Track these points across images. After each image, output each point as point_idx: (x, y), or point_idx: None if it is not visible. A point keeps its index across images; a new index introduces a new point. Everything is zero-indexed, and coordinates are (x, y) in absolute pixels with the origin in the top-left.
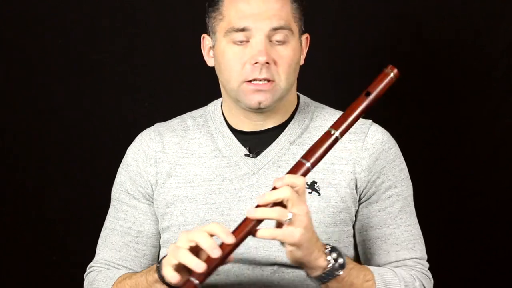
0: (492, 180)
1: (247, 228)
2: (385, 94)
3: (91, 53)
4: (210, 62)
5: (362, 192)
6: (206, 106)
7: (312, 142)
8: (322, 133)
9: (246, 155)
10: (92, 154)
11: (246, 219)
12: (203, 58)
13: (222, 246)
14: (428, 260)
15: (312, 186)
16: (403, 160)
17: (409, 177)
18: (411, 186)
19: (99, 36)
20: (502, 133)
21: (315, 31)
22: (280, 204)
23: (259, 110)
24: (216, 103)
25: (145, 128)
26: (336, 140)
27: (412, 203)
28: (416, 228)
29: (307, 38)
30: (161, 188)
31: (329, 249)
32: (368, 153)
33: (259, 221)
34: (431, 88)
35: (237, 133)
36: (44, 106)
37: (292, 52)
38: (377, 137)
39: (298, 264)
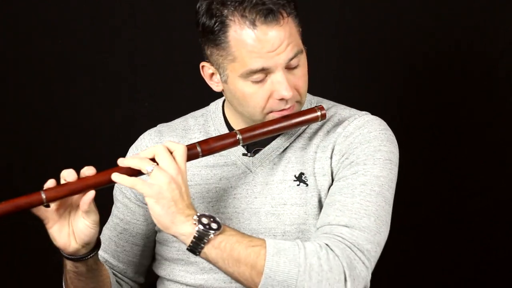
0: (493, 180)
1: (112, 171)
2: (385, 93)
3: (91, 53)
4: (216, 88)
5: (333, 174)
6: (208, 106)
7: None
8: (315, 125)
9: (243, 154)
10: (92, 154)
11: (117, 165)
12: (203, 58)
13: (83, 178)
14: (427, 259)
15: (300, 178)
16: (388, 145)
17: (390, 162)
18: (392, 172)
19: (99, 36)
20: (503, 133)
21: (318, 30)
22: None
23: None
24: (217, 103)
25: (145, 128)
26: (237, 142)
27: (388, 188)
28: (376, 208)
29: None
30: None
31: (200, 215)
32: (344, 139)
33: (129, 170)
34: (432, 88)
35: None
36: (44, 106)
37: (305, 69)
38: (357, 123)
39: (165, 227)
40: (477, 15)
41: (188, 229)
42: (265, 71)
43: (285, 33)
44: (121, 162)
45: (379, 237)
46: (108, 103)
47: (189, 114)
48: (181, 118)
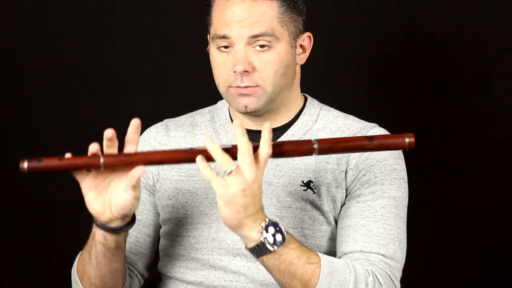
0: (492, 181)
1: (190, 152)
2: (384, 95)
3: (91, 53)
4: None
5: (348, 189)
6: (216, 104)
7: None
8: (323, 134)
9: None
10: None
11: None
12: (203, 58)
13: (147, 152)
14: (427, 259)
15: (308, 184)
16: (401, 163)
17: (404, 181)
18: (405, 191)
19: (99, 36)
20: (502, 133)
21: (314, 31)
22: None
23: (247, 113)
24: (224, 101)
25: (144, 128)
26: (311, 151)
27: (403, 207)
28: (397, 231)
29: (309, 36)
30: (163, 180)
31: (267, 223)
32: (359, 154)
33: (208, 155)
34: (430, 88)
35: None
36: (45, 106)
37: (277, 57)
38: None
39: (231, 228)
40: (476, 15)
41: (253, 235)
42: (228, 41)
43: (256, 9)
44: (207, 142)
45: (403, 260)
46: (108, 103)
47: (195, 112)
48: (187, 114)
